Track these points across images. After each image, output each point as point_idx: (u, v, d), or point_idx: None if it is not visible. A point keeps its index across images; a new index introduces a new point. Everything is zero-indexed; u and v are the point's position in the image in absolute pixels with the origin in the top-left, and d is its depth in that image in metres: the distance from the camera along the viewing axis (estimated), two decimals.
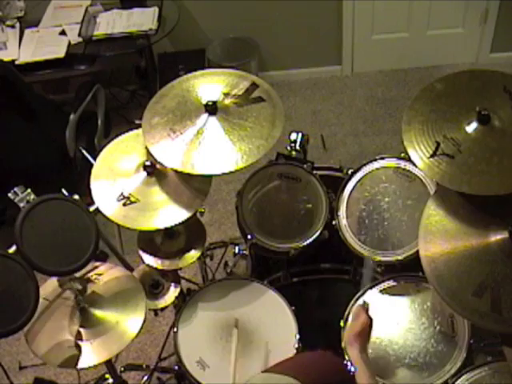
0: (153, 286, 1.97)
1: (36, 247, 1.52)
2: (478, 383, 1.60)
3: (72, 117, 2.69)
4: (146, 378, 2.32)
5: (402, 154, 1.98)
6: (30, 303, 1.48)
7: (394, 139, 3.32)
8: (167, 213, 1.79)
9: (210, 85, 1.90)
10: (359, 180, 2.01)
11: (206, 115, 1.81)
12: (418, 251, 1.63)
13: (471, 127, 1.60)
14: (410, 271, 1.86)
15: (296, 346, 1.79)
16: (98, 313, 1.72)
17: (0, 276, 1.47)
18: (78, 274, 1.69)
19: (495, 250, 1.52)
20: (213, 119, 1.81)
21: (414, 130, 1.65)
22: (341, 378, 1.67)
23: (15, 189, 1.61)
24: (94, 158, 1.91)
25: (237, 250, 2.24)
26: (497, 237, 1.53)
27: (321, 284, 2.15)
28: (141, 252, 1.97)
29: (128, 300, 1.75)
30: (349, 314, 1.82)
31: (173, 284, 1.99)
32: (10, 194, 1.60)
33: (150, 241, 1.99)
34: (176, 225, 1.79)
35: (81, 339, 1.67)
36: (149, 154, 1.81)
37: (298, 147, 2.21)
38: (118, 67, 3.52)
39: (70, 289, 1.71)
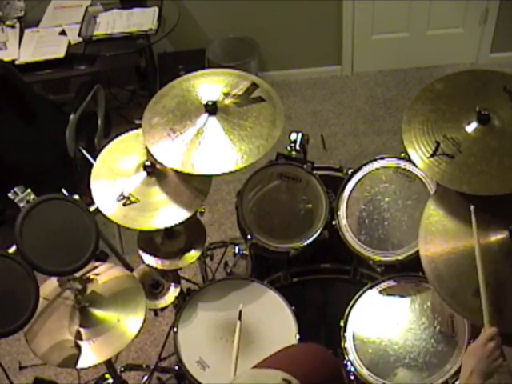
0: (153, 286, 1.97)
1: (36, 247, 1.52)
2: None
3: (72, 117, 2.69)
4: (145, 377, 2.32)
5: (402, 154, 1.98)
6: (29, 303, 1.48)
7: (394, 139, 3.32)
8: (167, 213, 1.79)
9: (209, 85, 1.90)
10: (359, 180, 2.01)
11: (205, 115, 1.81)
12: (418, 251, 1.63)
13: (471, 127, 1.60)
14: (410, 271, 1.86)
15: None
16: (98, 312, 1.72)
17: (0, 276, 1.47)
18: (77, 274, 1.69)
19: (495, 250, 1.52)
20: (213, 119, 1.81)
21: (414, 130, 1.65)
22: (331, 369, 1.67)
23: (15, 189, 1.61)
24: (94, 158, 1.91)
25: (237, 250, 2.24)
26: (497, 237, 1.53)
27: (321, 284, 2.15)
28: (141, 252, 1.97)
29: (128, 300, 1.75)
30: (349, 314, 1.82)
31: (173, 284, 1.99)
32: (10, 194, 1.60)
33: (150, 241, 1.99)
34: (176, 225, 1.80)
35: (81, 339, 1.67)
36: (149, 154, 1.81)
37: (298, 147, 2.20)
38: (118, 67, 3.51)
39: (69, 288, 1.71)
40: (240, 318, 1.69)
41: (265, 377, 1.50)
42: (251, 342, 1.82)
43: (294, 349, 1.74)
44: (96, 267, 1.82)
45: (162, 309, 1.99)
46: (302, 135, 2.23)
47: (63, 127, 2.68)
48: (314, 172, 2.06)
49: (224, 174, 1.74)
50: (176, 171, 1.79)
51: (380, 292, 1.86)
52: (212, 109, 1.80)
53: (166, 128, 1.81)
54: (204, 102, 1.82)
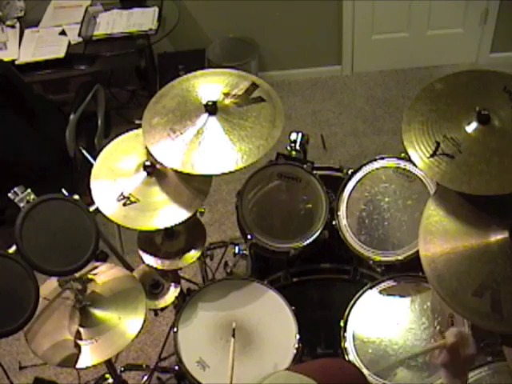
0: (153, 286, 1.97)
1: (36, 247, 1.52)
2: (478, 383, 1.60)
3: (72, 117, 2.69)
4: (146, 377, 2.32)
5: (402, 154, 1.98)
6: (30, 303, 1.48)
7: (394, 139, 3.31)
8: (167, 213, 1.79)
9: (209, 85, 1.90)
10: (359, 180, 2.01)
11: (205, 115, 1.81)
12: (418, 251, 1.63)
13: (471, 127, 1.60)
14: (410, 271, 1.86)
15: (296, 345, 1.79)
16: (98, 313, 1.72)
17: (0, 276, 1.47)
18: (77, 274, 1.69)
19: (495, 250, 1.52)
20: (213, 119, 1.81)
21: (414, 130, 1.65)
22: None
23: (15, 189, 1.61)
24: (94, 158, 1.91)
25: (237, 250, 2.24)
26: (497, 237, 1.53)
27: (321, 284, 2.15)
28: (141, 252, 1.97)
29: (128, 300, 1.75)
30: (349, 314, 1.82)
31: (173, 284, 1.99)
32: (10, 194, 1.61)
33: (150, 241, 1.99)
34: (176, 225, 1.80)
35: (81, 339, 1.67)
36: (149, 153, 1.81)
37: (297, 147, 2.21)
38: (118, 67, 3.52)
39: (69, 289, 1.71)
40: (234, 336, 1.70)
41: (300, 382, 1.50)
42: (251, 341, 1.82)
43: (327, 362, 1.74)
44: (96, 267, 1.82)
45: (162, 309, 1.99)
46: (302, 135, 2.24)
47: (63, 127, 2.68)
48: (314, 172, 2.06)
49: (224, 174, 1.74)
50: (176, 171, 1.79)
51: (380, 292, 1.86)
52: (212, 109, 1.80)
53: (166, 128, 1.81)
54: (204, 102, 1.82)
